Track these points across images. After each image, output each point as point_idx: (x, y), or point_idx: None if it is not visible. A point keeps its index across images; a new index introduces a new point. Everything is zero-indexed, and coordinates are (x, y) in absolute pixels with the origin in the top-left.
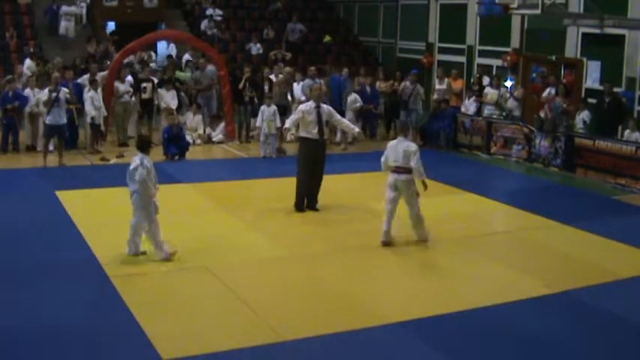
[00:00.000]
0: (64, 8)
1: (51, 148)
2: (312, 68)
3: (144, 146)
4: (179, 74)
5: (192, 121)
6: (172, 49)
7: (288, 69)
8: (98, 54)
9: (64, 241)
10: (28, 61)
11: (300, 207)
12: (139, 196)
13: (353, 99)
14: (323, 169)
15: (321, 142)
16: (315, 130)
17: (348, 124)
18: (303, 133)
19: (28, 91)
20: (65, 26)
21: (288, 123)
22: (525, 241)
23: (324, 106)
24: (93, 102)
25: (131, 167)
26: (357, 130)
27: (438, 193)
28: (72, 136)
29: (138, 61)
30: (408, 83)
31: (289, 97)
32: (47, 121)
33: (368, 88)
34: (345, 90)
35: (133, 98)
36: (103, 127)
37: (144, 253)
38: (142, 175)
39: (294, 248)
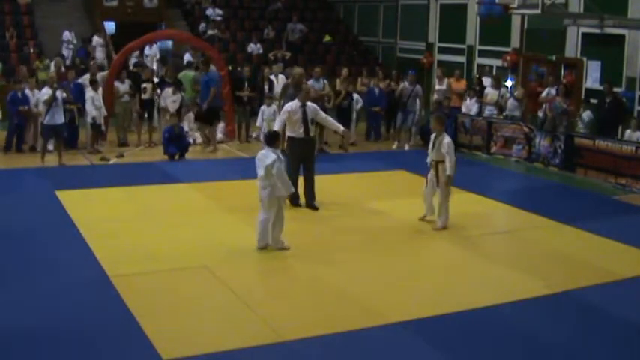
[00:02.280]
0: (97, 39)
1: (51, 148)
2: (318, 69)
3: (273, 140)
4: (182, 74)
5: (192, 121)
6: (156, 51)
7: (298, 69)
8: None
9: (64, 241)
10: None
11: (294, 201)
12: (272, 189)
13: (355, 99)
14: (313, 167)
15: (307, 140)
16: (301, 130)
17: (333, 122)
18: (289, 133)
19: (27, 92)
20: (101, 58)
21: (275, 125)
22: (525, 241)
23: (310, 104)
24: (93, 102)
25: (267, 162)
26: (342, 128)
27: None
28: (72, 136)
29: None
30: (407, 84)
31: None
32: (45, 122)
33: (377, 90)
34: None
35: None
36: (103, 127)
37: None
38: (282, 170)
39: (294, 248)
